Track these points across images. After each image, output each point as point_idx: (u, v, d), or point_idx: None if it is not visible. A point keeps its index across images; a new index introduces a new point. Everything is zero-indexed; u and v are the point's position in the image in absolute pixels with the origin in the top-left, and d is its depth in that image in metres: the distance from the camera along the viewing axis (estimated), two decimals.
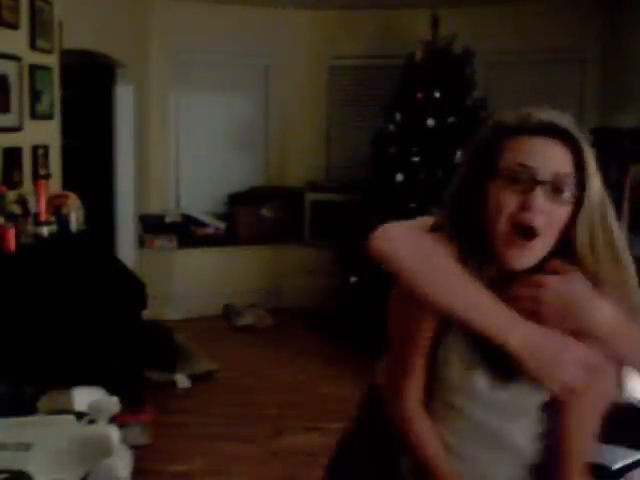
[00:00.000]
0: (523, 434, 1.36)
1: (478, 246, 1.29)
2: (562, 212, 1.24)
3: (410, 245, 1.35)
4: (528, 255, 1.25)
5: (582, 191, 1.23)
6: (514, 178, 1.23)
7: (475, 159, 1.32)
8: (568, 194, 1.23)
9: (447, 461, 1.36)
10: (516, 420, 1.35)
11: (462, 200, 1.33)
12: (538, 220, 1.22)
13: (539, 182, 1.22)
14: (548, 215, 1.23)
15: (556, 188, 1.23)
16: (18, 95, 4.20)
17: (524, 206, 1.22)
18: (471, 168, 1.32)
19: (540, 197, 1.21)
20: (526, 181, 1.23)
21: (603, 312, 1.22)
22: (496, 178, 1.26)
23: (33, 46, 4.32)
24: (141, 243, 6.33)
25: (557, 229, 1.24)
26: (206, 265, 6.39)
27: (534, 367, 1.23)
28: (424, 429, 1.37)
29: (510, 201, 1.24)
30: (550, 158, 1.23)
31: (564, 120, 1.26)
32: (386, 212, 5.49)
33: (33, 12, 4.28)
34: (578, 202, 1.24)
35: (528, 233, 1.23)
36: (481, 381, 1.30)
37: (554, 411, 1.34)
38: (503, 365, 1.27)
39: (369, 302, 5.31)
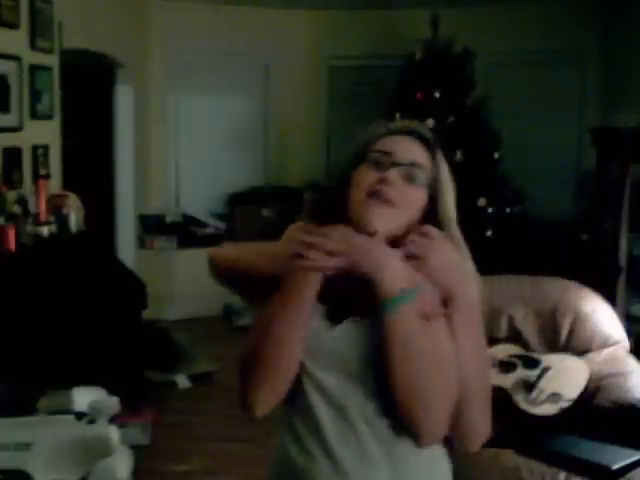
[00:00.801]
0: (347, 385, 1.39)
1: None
2: (417, 194, 1.42)
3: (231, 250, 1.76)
4: (383, 218, 1.38)
5: (435, 182, 1.46)
6: (376, 162, 1.43)
7: (351, 154, 1.51)
8: (421, 178, 1.43)
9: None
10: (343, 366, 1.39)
11: (333, 188, 1.49)
12: (390, 191, 1.38)
13: (395, 164, 1.42)
14: (402, 192, 1.40)
15: (411, 172, 1.42)
16: (18, 95, 4.20)
17: (381, 179, 1.40)
18: (345, 157, 1.53)
19: (394, 174, 1.40)
20: (385, 163, 1.42)
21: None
22: (363, 163, 1.45)
23: (33, 46, 4.32)
24: (141, 243, 6.33)
25: (413, 207, 1.41)
26: (206, 265, 6.38)
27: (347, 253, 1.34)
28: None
29: (370, 177, 1.41)
30: (407, 149, 1.46)
31: (423, 128, 1.55)
32: None
33: (33, 12, 4.29)
34: (433, 190, 1.45)
35: (382, 200, 1.38)
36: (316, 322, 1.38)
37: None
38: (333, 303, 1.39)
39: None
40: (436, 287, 1.35)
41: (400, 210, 1.40)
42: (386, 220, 1.38)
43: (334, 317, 1.39)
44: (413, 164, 1.44)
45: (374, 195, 1.38)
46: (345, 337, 1.37)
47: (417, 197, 1.43)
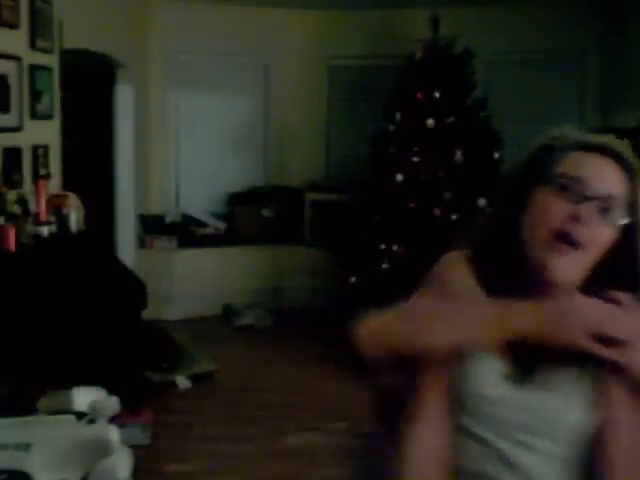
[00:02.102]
0: (542, 461, 1.21)
1: (508, 264, 1.23)
2: (609, 233, 1.18)
3: (385, 319, 1.30)
4: (571, 266, 1.18)
5: (630, 218, 1.19)
6: (565, 187, 1.18)
7: (527, 168, 1.27)
8: (615, 216, 1.18)
9: None
10: (536, 437, 1.21)
11: (505, 211, 1.26)
12: (585, 233, 1.16)
13: (589, 197, 1.17)
14: (594, 232, 1.17)
15: (605, 208, 1.17)
16: (18, 95, 4.19)
17: (572, 217, 1.16)
18: (516, 178, 1.28)
19: (588, 210, 1.16)
20: (576, 192, 1.17)
21: None
22: (545, 185, 1.21)
23: (33, 46, 4.32)
24: (141, 243, 6.33)
25: (597, 250, 1.19)
26: (206, 265, 6.39)
27: (558, 332, 1.12)
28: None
29: (558, 210, 1.17)
30: (602, 175, 1.19)
31: (620, 145, 1.23)
32: (386, 212, 5.50)
33: (33, 12, 4.28)
34: (623, 229, 1.19)
35: (573, 244, 1.16)
36: (500, 386, 1.20)
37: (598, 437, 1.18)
38: (524, 362, 1.19)
39: (369, 302, 5.32)
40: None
41: (589, 254, 1.18)
42: (572, 268, 1.18)
43: (520, 375, 1.20)
44: (610, 197, 1.18)
45: (563, 236, 1.16)
46: (540, 401, 1.19)
47: (608, 237, 1.19)
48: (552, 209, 1.18)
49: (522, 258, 1.21)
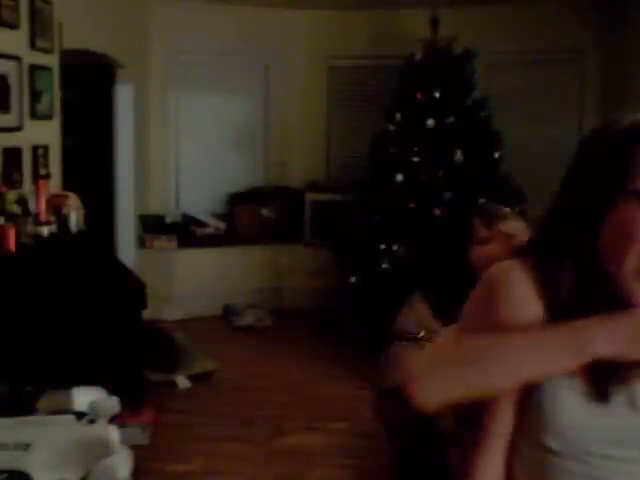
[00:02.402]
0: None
1: (581, 280, 1.11)
2: None
3: (444, 364, 1.13)
4: None
5: None
6: None
7: (596, 170, 1.10)
8: None
9: None
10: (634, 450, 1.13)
11: (578, 218, 1.12)
12: None
13: None
14: None
15: None
16: (18, 95, 4.19)
17: None
18: (589, 181, 1.11)
19: None
20: None
21: None
22: (629, 197, 1.05)
23: (33, 46, 4.32)
24: (141, 243, 6.33)
25: None
26: (206, 265, 6.39)
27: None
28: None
29: None
30: None
31: None
32: (386, 212, 5.51)
33: (33, 12, 4.28)
34: None
35: None
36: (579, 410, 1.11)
37: None
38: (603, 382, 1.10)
39: (369, 302, 5.32)
40: None
41: None
42: None
43: (600, 394, 1.09)
44: None
45: None
46: (625, 417, 1.09)
47: None
48: None
49: (598, 274, 1.09)
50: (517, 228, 1.59)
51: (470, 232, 1.62)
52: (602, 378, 1.09)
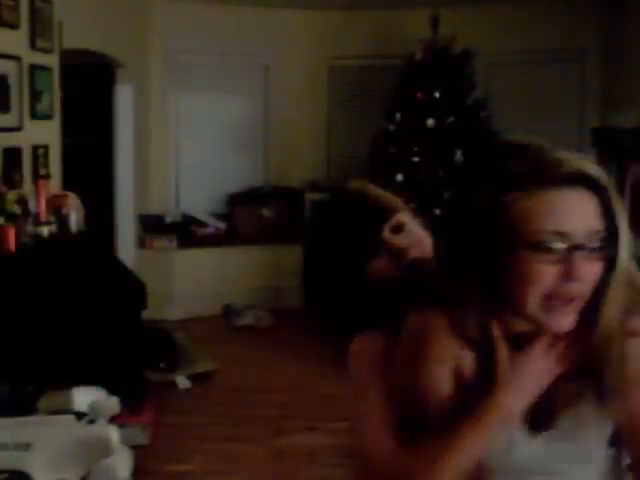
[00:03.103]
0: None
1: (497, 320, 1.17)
2: (595, 270, 1.10)
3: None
4: (567, 316, 1.11)
5: (610, 246, 1.10)
6: (547, 248, 1.06)
7: (485, 227, 1.12)
8: (599, 251, 1.09)
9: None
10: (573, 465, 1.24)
11: (480, 267, 1.14)
12: (579, 287, 1.08)
13: (575, 247, 1.06)
14: (586, 277, 1.09)
15: (590, 248, 1.08)
16: (18, 95, 4.20)
17: (564, 277, 1.07)
18: (481, 236, 1.13)
19: (582, 264, 1.07)
20: (560, 249, 1.06)
21: None
22: (525, 248, 1.08)
23: (33, 46, 4.32)
24: (141, 243, 6.33)
25: (591, 288, 1.11)
26: (206, 265, 6.39)
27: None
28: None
29: (546, 274, 1.08)
30: (583, 217, 1.07)
31: (592, 166, 1.10)
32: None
33: (33, 12, 4.28)
34: (606, 258, 1.11)
35: (568, 300, 1.10)
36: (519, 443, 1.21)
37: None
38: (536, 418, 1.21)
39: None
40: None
41: (584, 299, 1.11)
42: (569, 317, 1.11)
43: (536, 423, 1.20)
44: (594, 232, 1.08)
45: (557, 297, 1.09)
46: (558, 451, 1.21)
47: (595, 273, 1.11)
48: (541, 276, 1.08)
49: (511, 311, 1.16)
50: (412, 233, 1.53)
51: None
52: (535, 416, 1.19)
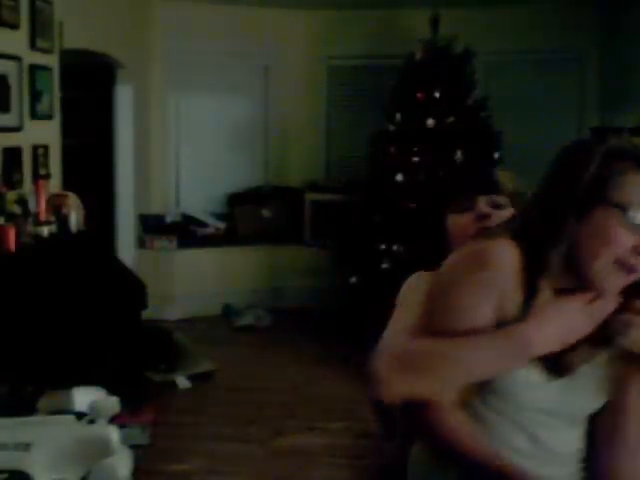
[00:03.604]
0: (570, 445, 1.39)
1: (555, 258, 1.26)
2: None
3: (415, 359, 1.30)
4: (621, 285, 1.25)
5: None
6: (635, 219, 1.20)
7: (580, 178, 1.25)
8: None
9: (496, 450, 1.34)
10: (566, 428, 1.38)
11: (553, 214, 1.27)
12: None
13: None
14: None
15: None
16: (18, 95, 4.20)
17: (637, 249, 1.20)
18: (572, 186, 1.26)
19: None
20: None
21: None
22: (607, 207, 1.22)
23: (33, 46, 4.32)
24: (141, 243, 6.33)
25: None
26: (206, 265, 6.39)
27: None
28: (460, 423, 1.34)
29: (621, 238, 1.20)
30: None
31: None
32: (386, 212, 5.50)
33: (33, 12, 4.28)
34: None
35: (631, 272, 1.22)
36: (536, 377, 1.30)
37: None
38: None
39: (369, 302, 5.32)
40: None
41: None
42: (621, 286, 1.25)
43: (555, 370, 1.30)
44: None
45: (623, 266, 1.22)
46: (565, 402, 1.33)
47: None
48: (616, 236, 1.20)
49: (573, 262, 1.25)
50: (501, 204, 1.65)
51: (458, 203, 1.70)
52: (551, 365, 1.28)
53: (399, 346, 1.32)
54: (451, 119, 5.39)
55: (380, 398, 1.30)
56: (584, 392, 1.33)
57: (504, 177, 1.70)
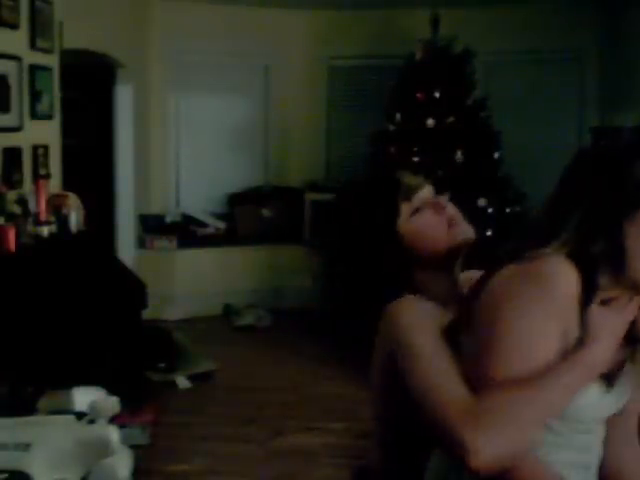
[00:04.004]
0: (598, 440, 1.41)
1: (606, 268, 1.27)
2: None
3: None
4: None
5: None
6: None
7: (611, 187, 1.26)
8: None
9: None
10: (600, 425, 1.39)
11: (606, 224, 1.26)
12: None
13: None
14: None
15: None
16: (18, 95, 4.20)
17: None
18: (604, 198, 1.27)
19: None
20: None
21: None
22: None
23: (33, 46, 4.32)
24: (141, 243, 6.33)
25: None
26: (206, 265, 6.39)
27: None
28: (538, 468, 1.30)
29: None
30: None
31: None
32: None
33: (33, 12, 4.28)
34: None
35: None
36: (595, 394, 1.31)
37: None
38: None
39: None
40: None
41: None
42: None
43: (611, 379, 1.32)
44: None
45: None
46: (624, 392, 1.36)
47: None
48: None
49: (622, 269, 1.26)
50: (429, 193, 1.66)
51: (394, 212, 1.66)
52: (607, 375, 1.29)
53: (470, 403, 1.23)
54: (451, 119, 5.39)
55: (477, 471, 1.18)
56: (628, 390, 1.36)
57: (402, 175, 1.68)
